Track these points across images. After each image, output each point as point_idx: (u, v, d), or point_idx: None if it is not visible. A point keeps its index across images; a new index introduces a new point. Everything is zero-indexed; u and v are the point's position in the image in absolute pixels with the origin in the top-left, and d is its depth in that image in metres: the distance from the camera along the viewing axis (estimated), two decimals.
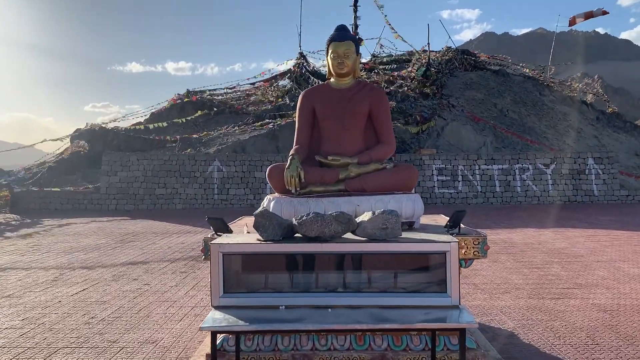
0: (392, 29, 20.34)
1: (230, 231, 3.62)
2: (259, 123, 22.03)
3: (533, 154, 18.20)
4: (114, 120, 26.19)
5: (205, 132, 22.17)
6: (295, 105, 24.51)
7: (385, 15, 19.47)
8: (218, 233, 3.68)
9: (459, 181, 17.43)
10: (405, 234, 2.78)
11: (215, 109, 25.32)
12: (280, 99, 25.92)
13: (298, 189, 3.98)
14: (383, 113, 4.32)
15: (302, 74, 27.15)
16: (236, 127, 22.35)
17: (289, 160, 4.07)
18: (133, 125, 26.07)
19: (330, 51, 4.27)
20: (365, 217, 2.72)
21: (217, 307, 2.61)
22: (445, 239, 2.62)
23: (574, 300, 5.46)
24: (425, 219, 4.42)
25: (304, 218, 2.64)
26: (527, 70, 37.86)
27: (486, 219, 13.21)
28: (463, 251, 3.32)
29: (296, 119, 4.48)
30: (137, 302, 5.70)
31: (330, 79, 4.46)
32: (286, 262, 2.76)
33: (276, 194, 4.22)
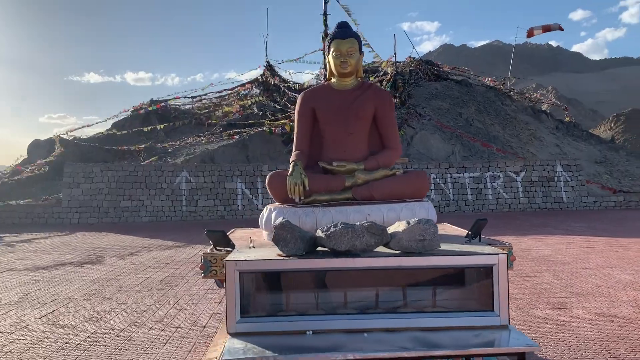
0: (364, 39, 20.23)
1: (233, 245, 3.27)
2: (227, 133, 21.55)
3: (503, 162, 18.35)
4: (73, 131, 25.19)
5: (170, 142, 21.53)
6: (263, 115, 24.31)
7: (358, 25, 19.38)
8: (218, 248, 3.32)
9: (431, 190, 17.36)
10: (442, 246, 2.49)
11: (181, 119, 24.67)
12: (248, 109, 25.49)
13: (302, 197, 3.66)
14: (389, 116, 4.06)
15: (269, 83, 26.80)
16: (203, 137, 21.80)
17: (291, 167, 3.76)
18: (94, 135, 25.14)
19: (332, 49, 3.98)
20: (398, 227, 2.43)
21: (233, 335, 2.26)
22: (491, 250, 2.35)
23: (576, 310, 5.29)
24: None
25: (332, 230, 2.33)
26: (487, 80, 38.61)
27: (460, 226, 13.12)
28: None
29: (295, 123, 4.17)
30: (115, 323, 5.23)
31: (331, 79, 4.17)
32: (311, 279, 2.44)
33: (277, 203, 3.89)
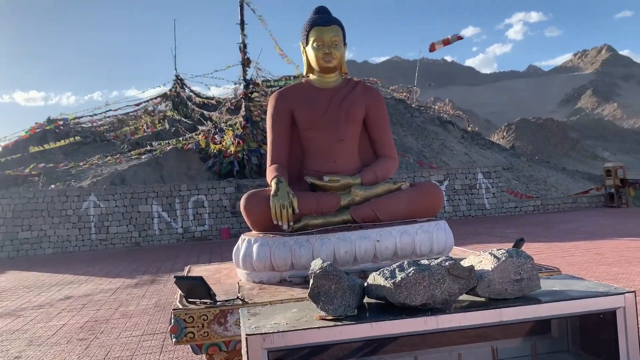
0: (281, 51, 19.57)
1: (214, 296, 2.41)
2: (137, 151, 19.97)
3: (427, 171, 18.40)
4: None
5: (73, 164, 19.59)
6: (176, 131, 22.89)
7: (275, 40, 18.70)
8: (192, 300, 2.45)
9: None
10: (542, 286, 1.81)
11: (83, 138, 22.64)
12: (159, 125, 23.92)
13: (291, 222, 2.87)
14: (383, 119, 3.38)
15: (180, 98, 25.39)
16: (109, 157, 20.04)
17: (274, 184, 2.96)
18: None
19: (312, 39, 3.23)
20: (482, 264, 1.73)
21: None
22: (609, 288, 1.71)
23: None
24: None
25: (402, 275, 1.57)
26: (397, 95, 39.57)
27: None
28: None
29: (268, 130, 3.36)
30: None
31: (309, 75, 3.42)
32: (364, 346, 1.67)
33: (254, 232, 3.06)
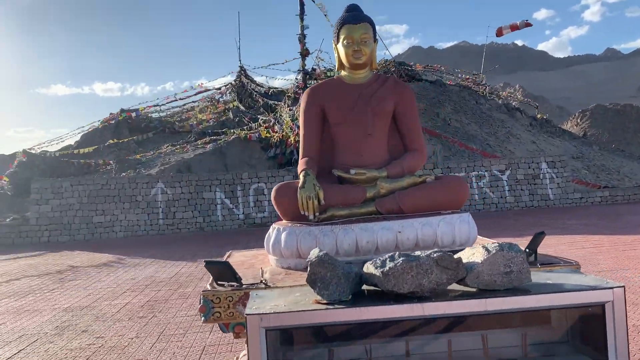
0: None
1: (239, 279, 2.63)
2: (202, 140, 20.75)
3: (488, 160, 18.01)
4: (40, 145, 23.99)
5: (143, 153, 20.64)
6: (239, 121, 23.55)
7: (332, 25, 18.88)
8: (220, 283, 2.68)
9: None
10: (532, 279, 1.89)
11: (153, 129, 23.76)
12: (223, 115, 24.70)
13: (317, 213, 3.04)
14: (411, 113, 3.47)
15: (243, 89, 26.06)
16: (177, 146, 20.95)
17: (301, 177, 3.13)
18: (62, 149, 24.01)
19: (342, 37, 3.37)
20: (471, 256, 1.84)
21: None
22: (601, 282, 1.77)
23: None
24: None
25: (391, 265, 1.72)
26: (462, 76, 38.60)
27: None
28: None
29: (300, 125, 3.54)
30: None
31: (341, 72, 3.56)
32: (360, 329, 1.83)
33: (284, 221, 3.26)
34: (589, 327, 1.77)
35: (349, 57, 3.36)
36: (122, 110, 26.22)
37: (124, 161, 19.75)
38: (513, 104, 39.36)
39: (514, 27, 38.06)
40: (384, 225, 2.97)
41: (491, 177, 17.53)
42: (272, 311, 1.69)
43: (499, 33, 38.58)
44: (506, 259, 1.78)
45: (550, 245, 9.42)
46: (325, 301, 1.76)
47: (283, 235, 3.04)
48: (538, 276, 1.91)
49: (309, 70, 18.47)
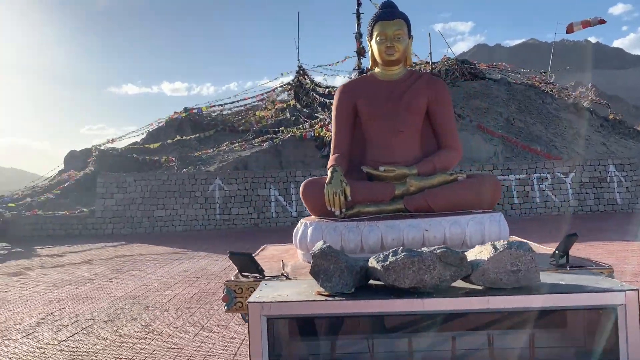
0: None
1: (262, 271, 2.68)
2: (259, 139, 21.13)
3: (551, 162, 17.32)
4: (109, 142, 25.19)
5: (204, 150, 21.26)
6: (296, 120, 23.82)
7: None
8: (244, 274, 2.74)
9: None
10: (542, 278, 1.83)
11: (214, 127, 24.44)
12: (280, 114, 25.06)
13: (343, 209, 3.05)
14: (445, 110, 3.41)
15: (301, 88, 26.32)
16: (236, 144, 21.44)
17: (329, 173, 3.15)
18: (129, 145, 25.12)
19: (375, 34, 3.36)
20: (480, 253, 1.80)
21: None
22: (613, 285, 1.69)
23: None
24: None
25: (392, 259, 1.71)
26: (528, 75, 37.25)
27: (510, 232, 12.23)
28: None
29: (332, 121, 3.56)
30: (137, 350, 4.71)
31: (374, 68, 3.55)
32: (362, 323, 1.83)
33: (313, 217, 3.29)
34: (602, 331, 1.69)
35: (382, 54, 3.35)
36: (186, 109, 27.11)
37: (186, 158, 20.41)
38: (584, 103, 37.61)
39: (585, 24, 36.41)
40: (411, 223, 2.94)
41: (554, 180, 16.85)
42: (273, 300, 1.72)
43: (570, 30, 36.98)
44: (513, 258, 1.73)
45: (611, 252, 8.98)
46: (327, 293, 1.77)
47: (309, 230, 3.06)
48: (552, 277, 1.84)
49: (365, 68, 18.40)
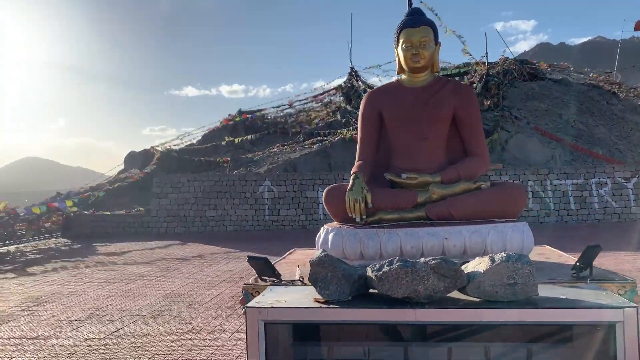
0: (460, 36, 19.20)
1: (279, 275, 2.74)
2: (309, 141, 21.31)
3: (611, 166, 16.56)
4: (166, 143, 26.09)
5: (256, 152, 21.66)
6: (346, 122, 23.87)
7: (450, 31, 18.38)
8: (262, 277, 2.81)
9: (529, 198, 16.00)
10: (542, 292, 1.80)
11: (266, 129, 24.86)
12: (331, 116, 25.17)
13: (364, 216, 3.07)
14: (472, 117, 3.36)
15: (353, 90, 26.33)
16: (286, 146, 21.71)
17: (351, 180, 3.17)
18: (186, 147, 25.92)
19: (401, 41, 3.36)
20: (477, 265, 1.79)
21: None
22: (612, 301, 1.64)
23: None
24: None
25: (386, 269, 1.73)
26: (591, 75, 35.70)
27: (563, 240, 11.82)
28: None
29: (359, 128, 3.58)
30: (174, 348, 4.89)
31: (401, 75, 3.55)
32: (359, 332, 1.86)
33: (335, 223, 3.32)
34: (601, 348, 1.64)
35: (408, 61, 3.34)
36: (240, 112, 27.71)
37: (238, 159, 20.85)
38: None
39: None
40: (430, 231, 2.93)
41: (614, 185, 16.09)
42: (270, 306, 1.77)
43: (638, 27, 35.21)
44: (510, 270, 1.71)
45: None
46: (323, 300, 1.81)
47: (330, 236, 3.10)
48: (553, 291, 1.80)
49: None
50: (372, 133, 3.47)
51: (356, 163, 3.41)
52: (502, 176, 16.23)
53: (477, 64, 28.09)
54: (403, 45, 3.34)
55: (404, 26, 3.35)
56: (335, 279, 1.81)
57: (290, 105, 28.34)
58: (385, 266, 1.76)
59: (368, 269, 1.83)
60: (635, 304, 1.62)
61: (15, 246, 14.51)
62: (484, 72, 26.37)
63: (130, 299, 7.07)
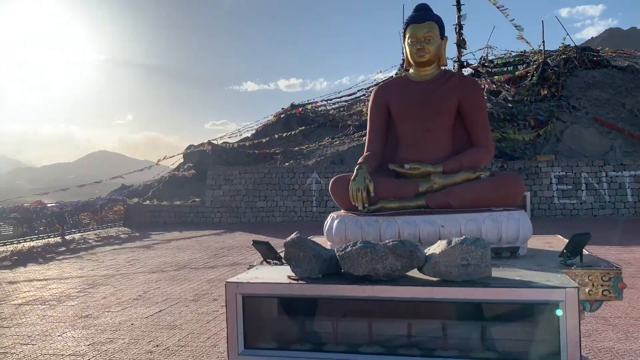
0: (517, 26, 18.77)
1: (280, 258, 2.97)
2: (359, 133, 21.42)
3: None
4: (222, 137, 26.91)
5: (306, 145, 22.00)
6: None
7: (505, 9, 17.86)
8: (267, 260, 3.05)
9: (582, 190, 15.51)
10: (500, 270, 1.94)
11: (318, 122, 25.17)
12: None
13: (366, 204, 3.24)
14: (477, 108, 3.45)
15: None
16: (336, 139, 21.92)
17: (355, 171, 3.35)
18: (241, 140, 26.63)
19: (407, 36, 3.49)
20: (437, 248, 1.94)
21: None
22: (556, 281, 1.75)
23: None
24: (537, 242, 3.48)
25: (349, 249, 1.92)
26: None
27: (616, 233, 11.45)
28: (587, 290, 2.42)
29: (368, 121, 3.75)
30: (209, 328, 5.24)
31: (408, 70, 3.68)
32: (329, 307, 2.05)
33: (341, 211, 3.52)
34: (545, 327, 1.75)
35: (413, 55, 3.47)
36: (293, 106, 28.15)
37: (288, 152, 21.27)
38: None
39: None
40: (427, 219, 3.07)
41: None
42: (247, 281, 2.00)
43: None
44: (464, 252, 1.85)
45: None
46: (295, 277, 2.02)
47: (335, 223, 3.30)
48: (513, 273, 1.92)
49: (465, 62, 17.96)
50: (380, 125, 3.62)
51: (364, 154, 3.58)
52: (553, 167, 15.81)
53: (533, 52, 27.25)
54: (409, 41, 3.47)
55: (410, 22, 3.48)
56: (307, 258, 2.02)
57: (348, 97, 28.53)
58: (349, 247, 1.95)
59: (336, 249, 2.02)
60: (576, 285, 1.72)
61: (80, 234, 15.52)
62: (540, 61, 25.53)
63: (176, 283, 7.52)
